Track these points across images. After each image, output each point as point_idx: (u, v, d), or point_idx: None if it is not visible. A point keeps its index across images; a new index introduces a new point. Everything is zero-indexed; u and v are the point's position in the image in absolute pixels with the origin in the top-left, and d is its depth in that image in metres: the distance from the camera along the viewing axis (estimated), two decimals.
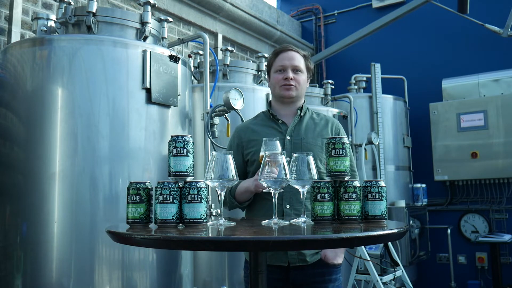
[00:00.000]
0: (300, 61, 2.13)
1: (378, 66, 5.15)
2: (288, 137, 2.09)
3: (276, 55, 2.17)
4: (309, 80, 2.22)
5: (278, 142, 1.80)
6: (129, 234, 1.35)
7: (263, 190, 1.87)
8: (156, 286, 2.40)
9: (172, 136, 1.48)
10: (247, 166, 2.13)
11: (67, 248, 2.22)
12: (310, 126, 2.13)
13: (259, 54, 3.72)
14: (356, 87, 5.47)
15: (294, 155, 1.50)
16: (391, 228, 1.38)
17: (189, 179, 1.45)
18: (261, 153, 1.79)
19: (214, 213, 2.48)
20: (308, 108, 2.22)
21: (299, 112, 2.15)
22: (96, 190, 2.28)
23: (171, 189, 1.41)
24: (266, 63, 3.62)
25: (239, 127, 2.27)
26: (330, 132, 2.14)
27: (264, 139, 1.81)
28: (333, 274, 2.08)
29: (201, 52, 3.60)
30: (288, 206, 2.00)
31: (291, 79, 2.09)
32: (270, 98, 2.30)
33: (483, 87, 5.29)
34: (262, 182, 1.47)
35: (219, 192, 1.47)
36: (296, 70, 2.11)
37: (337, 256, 2.07)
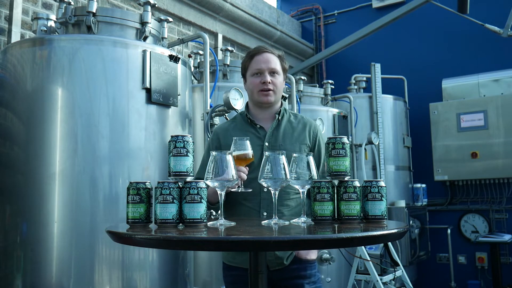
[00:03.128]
0: (276, 63, 2.09)
1: (378, 66, 5.15)
2: (267, 143, 2.06)
3: (251, 58, 2.11)
4: (285, 81, 2.19)
5: (248, 142, 1.77)
6: (129, 234, 1.35)
7: (233, 190, 1.82)
8: (156, 286, 2.40)
9: (172, 136, 1.48)
10: None
11: (67, 248, 2.22)
12: (287, 131, 2.10)
13: None
14: (356, 87, 5.47)
15: (294, 155, 1.51)
16: (391, 228, 1.38)
17: (189, 179, 1.45)
18: (233, 153, 1.74)
19: (214, 213, 2.48)
20: (286, 110, 2.18)
21: (277, 116, 2.12)
22: (96, 190, 2.28)
23: (171, 189, 1.41)
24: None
25: (218, 129, 2.23)
26: (308, 137, 2.11)
27: (234, 138, 1.77)
28: (307, 269, 2.07)
29: (201, 52, 3.60)
30: (265, 214, 1.98)
31: (269, 82, 2.05)
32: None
33: (483, 87, 5.29)
34: (262, 182, 1.48)
35: (219, 192, 1.47)
36: (273, 72, 2.07)
37: (310, 252, 2.07)
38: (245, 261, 1.99)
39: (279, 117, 2.12)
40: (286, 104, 3.49)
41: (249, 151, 1.76)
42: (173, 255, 2.52)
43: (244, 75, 2.17)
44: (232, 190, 1.83)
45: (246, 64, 2.14)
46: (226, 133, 2.13)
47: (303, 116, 2.22)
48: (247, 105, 2.21)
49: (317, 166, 1.90)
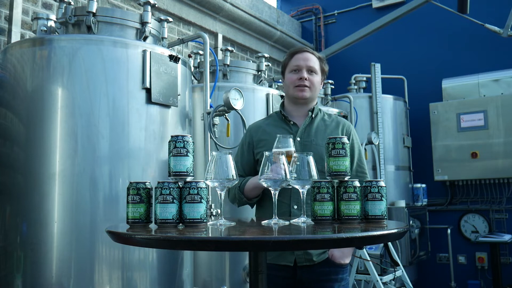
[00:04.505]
0: (315, 63, 2.14)
1: (378, 66, 5.15)
2: (298, 139, 2.10)
3: (291, 56, 2.18)
4: (323, 82, 2.24)
5: (291, 139, 1.76)
6: (129, 234, 1.35)
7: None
8: (156, 286, 2.40)
9: (172, 136, 1.48)
10: (256, 166, 2.13)
11: (67, 248, 2.22)
12: (320, 128, 2.14)
13: (259, 54, 3.72)
14: (356, 87, 5.47)
15: (294, 155, 1.50)
16: (391, 228, 1.38)
17: (189, 179, 1.45)
18: (274, 149, 1.75)
19: (214, 213, 2.48)
20: (320, 110, 2.23)
21: (310, 113, 2.16)
22: (96, 190, 2.28)
23: (171, 189, 1.41)
24: (266, 64, 3.63)
25: (251, 126, 2.30)
26: (341, 134, 2.13)
27: (278, 135, 1.78)
28: (339, 273, 2.09)
29: (201, 52, 3.60)
30: (295, 207, 2.01)
31: (305, 79, 2.10)
32: (281, 99, 2.31)
33: (483, 87, 5.29)
34: (262, 181, 1.48)
35: (219, 192, 1.47)
36: (311, 71, 2.13)
37: (344, 256, 2.07)
38: (280, 256, 2.01)
39: (313, 115, 2.16)
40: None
41: (292, 148, 1.74)
42: (173, 255, 2.52)
43: (283, 73, 2.23)
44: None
45: (286, 61, 2.20)
46: (258, 129, 2.19)
47: (338, 116, 2.27)
48: (282, 103, 2.26)
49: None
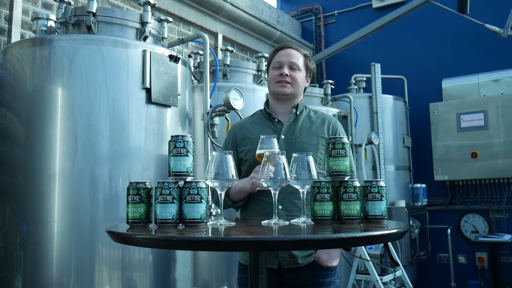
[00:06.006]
0: (298, 59, 2.10)
1: (378, 66, 5.15)
2: (283, 136, 2.05)
3: (275, 53, 2.15)
4: (308, 80, 2.19)
5: (275, 140, 1.73)
6: (129, 234, 1.35)
7: (259, 189, 1.84)
8: (156, 286, 2.40)
9: (172, 136, 1.48)
10: (240, 165, 2.09)
11: (67, 248, 2.22)
12: (305, 125, 2.09)
13: (259, 54, 3.72)
14: (356, 87, 5.47)
15: (294, 155, 1.50)
16: (391, 228, 1.38)
17: (189, 179, 1.45)
18: (258, 151, 1.73)
19: (214, 213, 2.48)
20: (306, 107, 2.18)
21: (294, 110, 2.11)
22: (96, 190, 2.28)
23: (171, 189, 1.41)
24: (266, 63, 3.63)
25: (235, 124, 2.25)
26: (327, 131, 2.09)
27: (262, 136, 1.74)
28: (327, 277, 2.02)
29: (201, 52, 3.60)
30: (280, 207, 1.97)
31: (286, 75, 2.06)
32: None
33: (483, 87, 5.29)
34: (262, 181, 1.47)
35: (219, 192, 1.47)
36: (292, 67, 2.08)
37: (331, 259, 2.00)
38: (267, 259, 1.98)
39: (297, 112, 2.11)
40: None
41: (276, 150, 1.70)
42: (173, 255, 2.52)
43: (268, 71, 2.20)
44: (259, 189, 1.84)
45: (270, 58, 2.17)
46: (242, 128, 2.15)
47: (324, 113, 2.21)
48: (267, 101, 2.22)
49: None
